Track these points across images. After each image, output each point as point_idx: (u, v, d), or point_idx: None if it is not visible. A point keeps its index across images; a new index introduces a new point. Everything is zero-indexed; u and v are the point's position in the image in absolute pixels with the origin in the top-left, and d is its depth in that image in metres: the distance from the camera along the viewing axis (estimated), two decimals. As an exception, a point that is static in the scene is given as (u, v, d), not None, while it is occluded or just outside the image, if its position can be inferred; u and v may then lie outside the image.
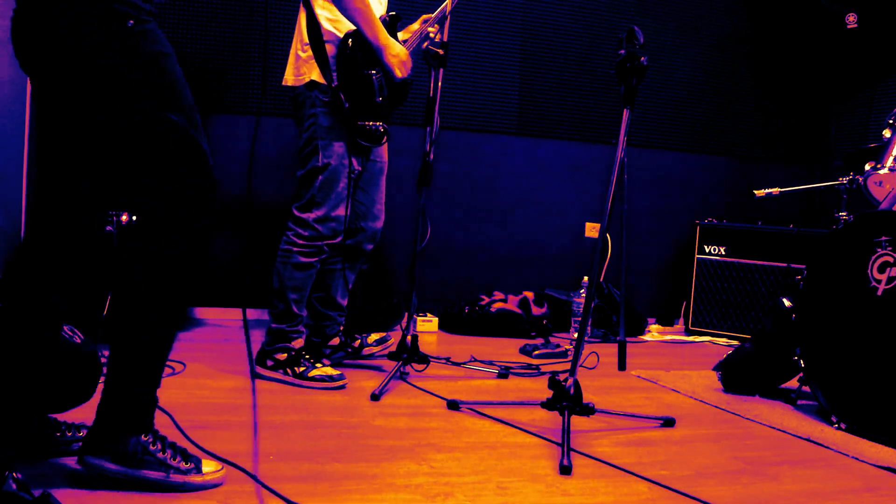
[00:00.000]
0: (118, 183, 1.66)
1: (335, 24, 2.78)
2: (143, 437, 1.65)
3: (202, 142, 1.66)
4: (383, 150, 3.03)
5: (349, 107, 2.73)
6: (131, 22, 1.56)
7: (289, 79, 2.85)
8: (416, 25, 3.00)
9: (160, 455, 1.65)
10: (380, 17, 2.81)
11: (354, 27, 2.74)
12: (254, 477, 1.76)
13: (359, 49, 2.76)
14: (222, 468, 1.74)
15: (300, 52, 2.81)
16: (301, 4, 2.80)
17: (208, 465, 1.71)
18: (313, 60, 2.74)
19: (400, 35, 2.96)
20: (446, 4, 2.94)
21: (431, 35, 2.95)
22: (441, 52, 2.91)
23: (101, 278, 1.76)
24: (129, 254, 1.64)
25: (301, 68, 2.80)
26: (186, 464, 1.68)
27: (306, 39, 2.76)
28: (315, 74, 2.75)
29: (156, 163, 1.61)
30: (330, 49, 2.74)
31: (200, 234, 1.67)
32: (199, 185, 1.65)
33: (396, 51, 2.80)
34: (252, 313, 4.10)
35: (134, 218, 1.63)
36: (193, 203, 1.65)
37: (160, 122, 1.59)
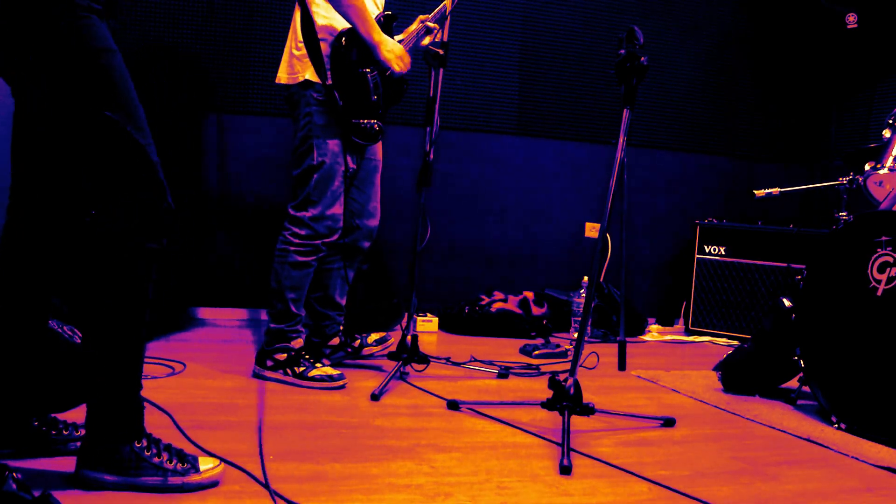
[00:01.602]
0: (73, 182, 1.64)
1: (330, 21, 2.78)
2: (136, 443, 1.65)
3: (141, 138, 1.62)
4: (378, 149, 3.03)
5: (343, 105, 2.73)
6: (64, 23, 1.54)
7: (283, 77, 2.85)
8: (413, 27, 3.00)
9: (156, 460, 1.65)
10: (375, 17, 2.81)
11: (349, 25, 2.74)
12: (254, 477, 1.76)
13: (353, 47, 2.76)
14: (220, 464, 1.74)
15: (294, 51, 2.80)
16: (297, 2, 2.79)
17: (205, 463, 1.72)
18: (307, 59, 2.73)
19: (396, 37, 2.96)
20: (445, 4, 2.94)
21: (431, 27, 2.95)
22: (441, 52, 2.91)
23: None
24: (89, 254, 1.62)
25: (295, 66, 2.80)
26: (183, 464, 1.68)
27: (300, 38, 2.75)
28: (309, 73, 2.75)
29: (97, 160, 1.60)
30: (324, 47, 2.73)
31: (153, 229, 1.64)
32: (142, 183, 1.63)
33: (391, 46, 2.80)
34: (253, 313, 4.10)
35: (94, 218, 1.61)
36: (140, 200, 1.62)
37: (97, 120, 1.57)
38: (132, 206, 1.61)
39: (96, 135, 1.58)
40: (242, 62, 4.04)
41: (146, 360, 1.99)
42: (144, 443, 1.66)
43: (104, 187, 1.60)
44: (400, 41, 2.94)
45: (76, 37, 1.56)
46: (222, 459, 1.79)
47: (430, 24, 2.95)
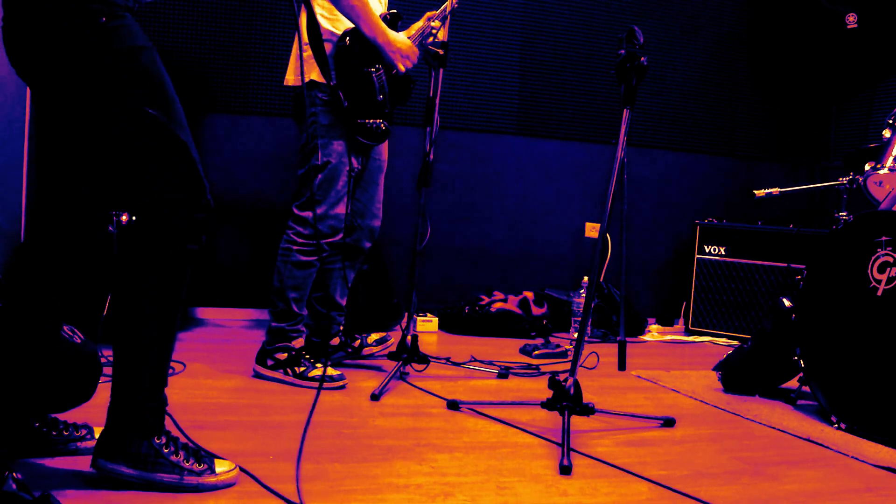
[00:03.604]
0: (110, 182, 1.65)
1: (334, 22, 2.78)
2: (155, 439, 1.65)
3: (182, 135, 1.63)
4: (383, 149, 3.04)
5: (348, 105, 2.74)
6: (103, 19, 1.54)
7: (290, 78, 2.86)
8: (419, 23, 3.00)
9: (173, 458, 1.65)
10: (380, 16, 2.82)
11: (353, 25, 2.75)
12: (254, 477, 1.76)
13: (357, 47, 2.76)
14: (235, 467, 1.74)
15: (301, 52, 2.80)
16: (302, 4, 2.80)
17: (221, 465, 1.72)
18: (313, 60, 2.74)
19: (402, 33, 2.96)
20: (447, 4, 2.94)
21: (435, 31, 2.95)
22: (441, 52, 2.91)
23: (102, 279, 1.75)
24: (126, 253, 1.63)
25: (303, 67, 2.80)
26: (200, 465, 1.68)
27: (306, 39, 2.75)
28: (315, 74, 2.76)
29: (138, 158, 1.60)
30: (328, 48, 2.74)
31: (193, 228, 1.65)
32: (183, 180, 1.63)
33: (397, 45, 2.80)
34: (253, 313, 4.10)
35: (134, 218, 1.62)
36: (181, 198, 1.63)
37: (138, 117, 1.58)
38: (173, 206, 1.62)
39: (138, 133, 1.59)
40: (242, 62, 4.04)
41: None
42: (164, 440, 1.67)
43: (144, 187, 1.61)
44: (407, 37, 2.93)
45: (117, 35, 1.56)
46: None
47: (435, 23, 2.95)
